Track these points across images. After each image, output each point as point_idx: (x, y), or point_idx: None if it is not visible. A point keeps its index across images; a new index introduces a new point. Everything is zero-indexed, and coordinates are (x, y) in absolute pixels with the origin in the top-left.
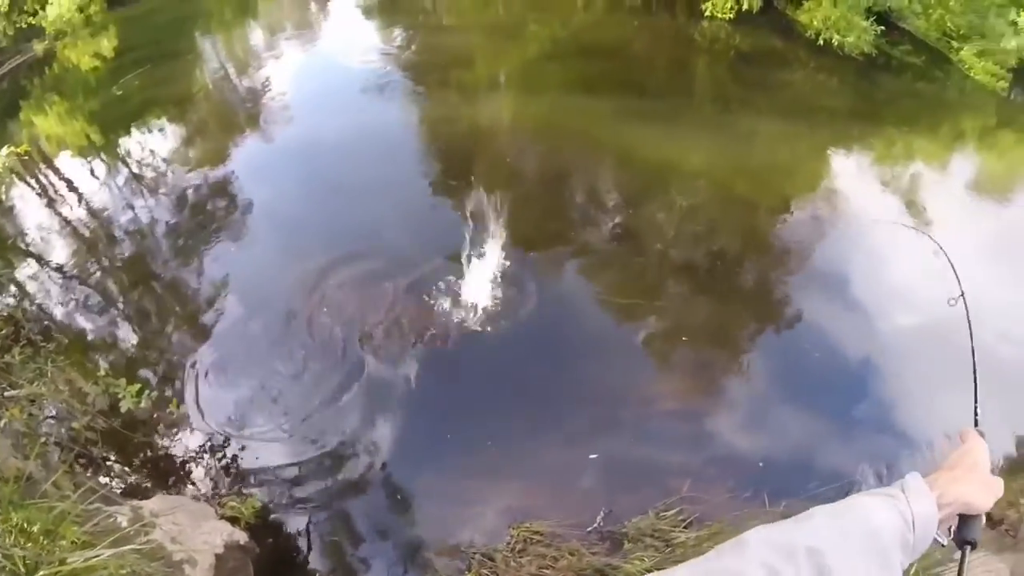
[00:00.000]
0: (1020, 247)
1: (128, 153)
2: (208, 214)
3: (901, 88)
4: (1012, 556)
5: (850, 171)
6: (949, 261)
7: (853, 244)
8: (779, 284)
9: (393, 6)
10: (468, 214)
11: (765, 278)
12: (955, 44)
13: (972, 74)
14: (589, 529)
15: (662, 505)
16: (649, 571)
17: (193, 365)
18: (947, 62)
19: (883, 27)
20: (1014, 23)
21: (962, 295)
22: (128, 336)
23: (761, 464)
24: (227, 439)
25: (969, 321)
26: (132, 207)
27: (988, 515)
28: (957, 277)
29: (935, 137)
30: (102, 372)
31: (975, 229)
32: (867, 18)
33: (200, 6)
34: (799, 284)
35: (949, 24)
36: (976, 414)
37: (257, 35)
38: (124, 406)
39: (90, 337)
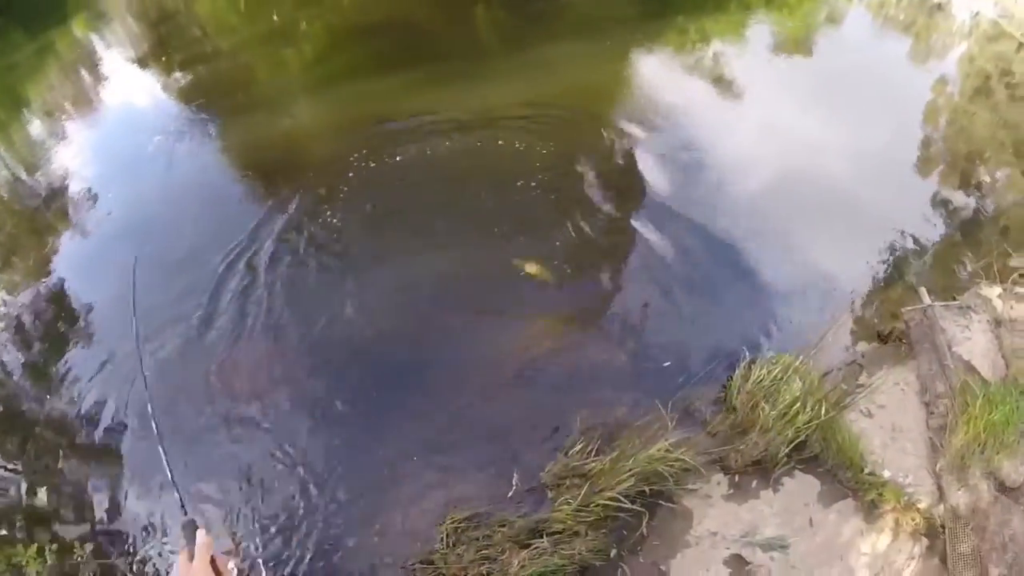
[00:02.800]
0: (835, 92)
1: None
2: (55, 331)
3: None
4: (913, 362)
5: (655, 68)
6: None
7: (676, 137)
8: (610, 195)
9: (163, 45)
10: (302, 224)
11: (601, 193)
12: None
13: None
14: (509, 495)
15: (567, 444)
16: (579, 511)
17: (81, 495)
18: None
19: None
20: None
21: None
22: (12, 496)
23: (641, 369)
24: (145, 556)
25: None
26: None
27: (877, 333)
28: None
29: (726, 14)
30: None
31: (791, 86)
32: None
33: None
34: (628, 189)
35: None
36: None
37: (36, 125)
38: (30, 573)
39: None
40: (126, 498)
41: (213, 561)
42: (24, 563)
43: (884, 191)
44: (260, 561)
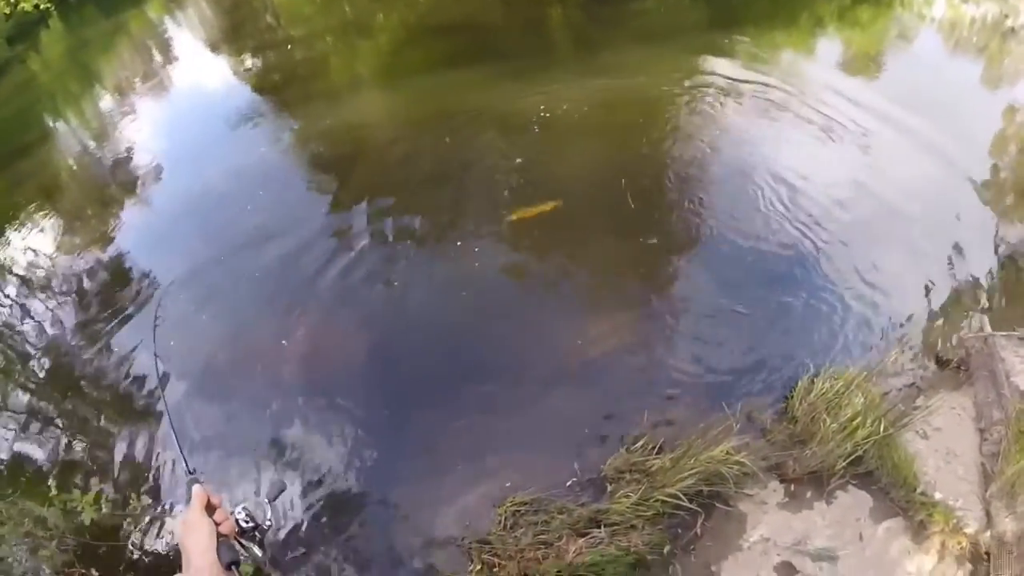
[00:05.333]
0: (904, 113)
1: (11, 259)
2: (111, 298)
3: None
4: (971, 388)
5: (722, 80)
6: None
7: (748, 146)
8: (685, 200)
9: (236, 31)
10: (367, 224)
11: (670, 198)
12: None
13: None
14: (569, 484)
15: (630, 439)
16: (637, 504)
17: (141, 451)
18: None
19: None
20: None
21: None
22: (65, 448)
23: (707, 372)
24: None
25: None
26: (32, 314)
27: (938, 357)
28: None
29: (799, 27)
30: (53, 492)
31: (858, 105)
32: None
33: (42, 89)
34: (700, 198)
35: None
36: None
37: (107, 100)
38: (86, 518)
39: (29, 463)
40: (170, 458)
41: (213, 513)
42: (80, 508)
43: (952, 216)
44: (267, 503)
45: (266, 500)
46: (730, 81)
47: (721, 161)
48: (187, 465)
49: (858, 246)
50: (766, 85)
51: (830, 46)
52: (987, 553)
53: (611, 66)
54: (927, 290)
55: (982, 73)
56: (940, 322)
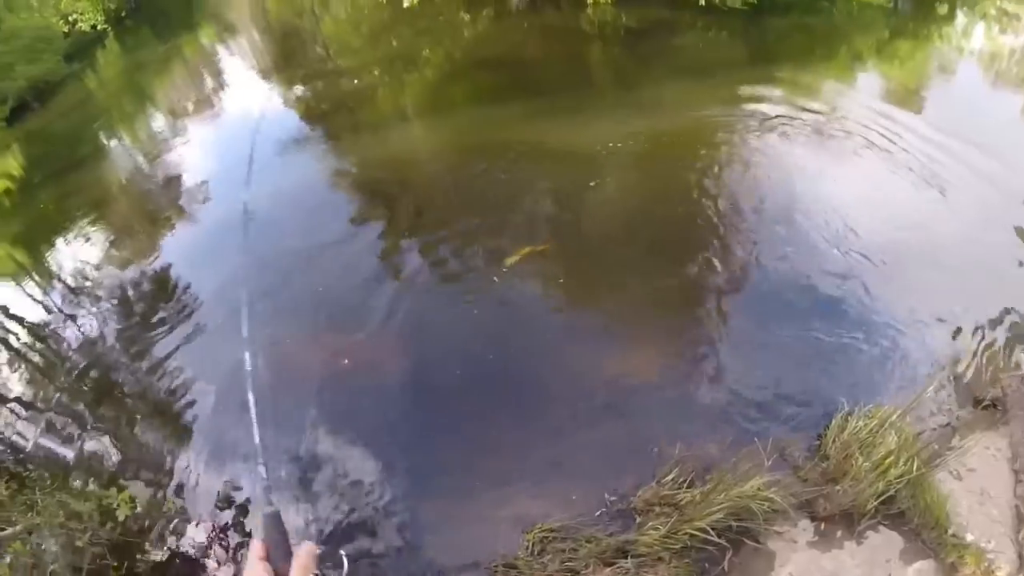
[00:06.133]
0: (943, 148)
1: (60, 267)
2: (153, 309)
3: (791, 26)
4: (1007, 428)
5: (763, 110)
6: None
7: (787, 180)
8: (719, 235)
9: (286, 60)
10: (407, 251)
11: (709, 232)
12: None
13: None
14: (599, 513)
15: (661, 472)
16: (666, 537)
17: (176, 457)
18: None
19: None
20: None
21: None
22: (107, 447)
23: (740, 406)
24: (229, 521)
25: None
26: (77, 321)
27: (974, 397)
28: None
29: (836, 61)
30: (92, 488)
31: (897, 140)
32: None
33: (96, 106)
34: (741, 230)
35: None
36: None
37: (159, 120)
38: (121, 515)
39: (70, 458)
40: (210, 467)
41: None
42: (115, 506)
43: (990, 254)
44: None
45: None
46: (769, 115)
47: (761, 195)
48: (269, 495)
49: (896, 282)
50: (804, 119)
51: (869, 79)
52: None
53: (651, 101)
54: (965, 328)
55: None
56: (977, 361)
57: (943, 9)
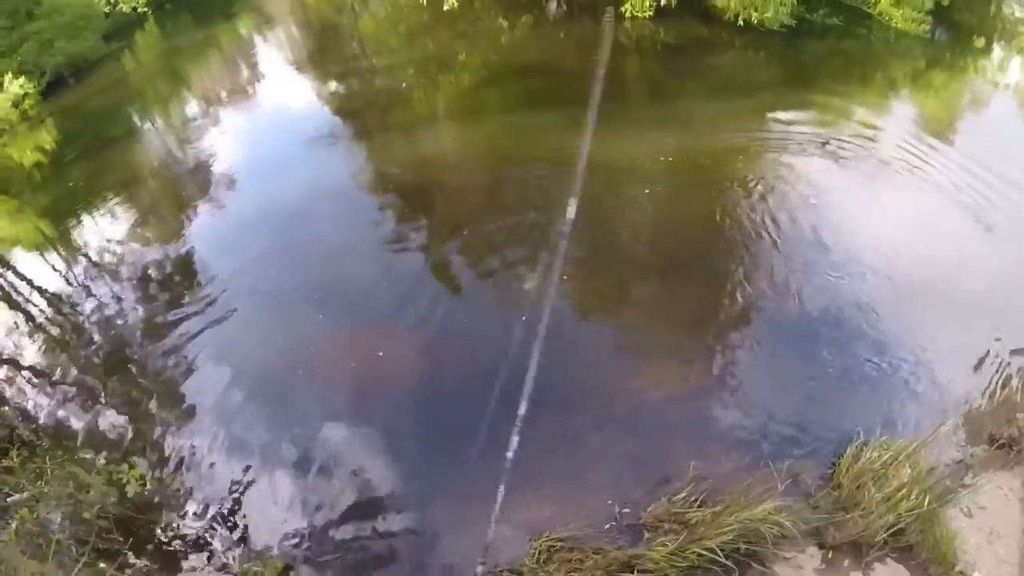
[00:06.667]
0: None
1: (85, 242)
2: (173, 290)
3: (827, 50)
4: (1020, 468)
5: (795, 132)
6: None
7: (814, 206)
8: (747, 256)
9: (322, 56)
10: (433, 254)
11: (733, 253)
12: None
13: (893, 23)
14: (608, 526)
15: (673, 489)
16: (673, 554)
17: (187, 438)
18: (867, 17)
19: None
20: None
21: None
22: (119, 423)
23: (756, 429)
24: (235, 505)
25: None
26: (96, 296)
27: (990, 435)
28: None
29: (870, 88)
30: (102, 462)
31: (928, 172)
32: None
33: (132, 87)
34: (766, 253)
35: None
36: None
37: (193, 106)
38: (130, 491)
39: (82, 431)
40: (220, 449)
41: None
42: (125, 481)
43: (1010, 297)
44: None
45: None
46: (801, 138)
47: (788, 219)
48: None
49: (919, 313)
50: (835, 144)
51: (904, 107)
52: None
53: (685, 118)
54: (985, 365)
55: None
56: (995, 400)
57: (980, 42)
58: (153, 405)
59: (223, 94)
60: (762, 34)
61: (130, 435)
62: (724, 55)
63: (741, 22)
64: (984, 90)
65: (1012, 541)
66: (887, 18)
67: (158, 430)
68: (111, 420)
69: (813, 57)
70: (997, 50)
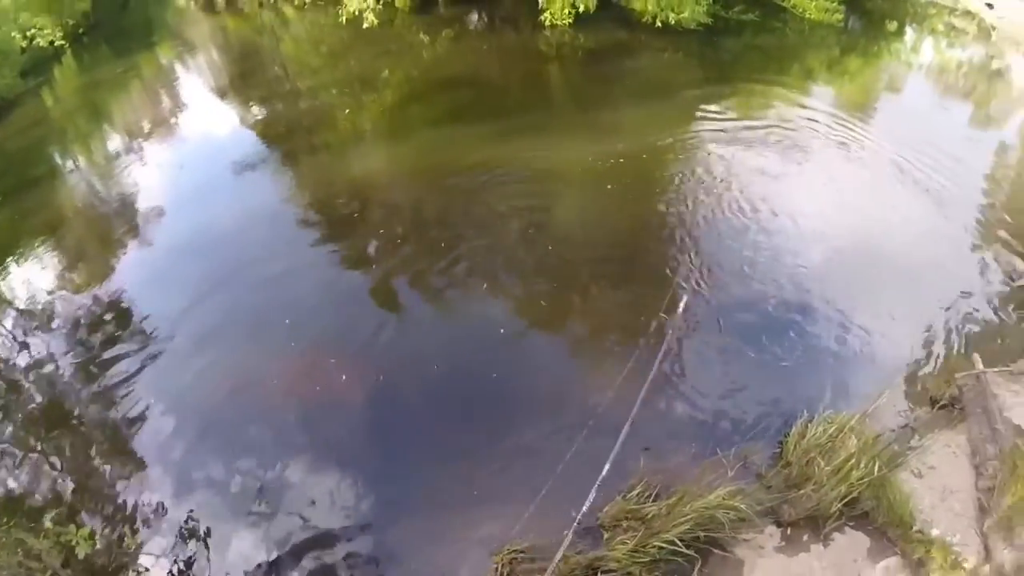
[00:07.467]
0: (894, 160)
1: (12, 293)
2: (109, 334)
3: (745, 45)
4: (964, 425)
5: (718, 127)
6: None
7: (742, 194)
8: (683, 249)
9: (245, 80)
10: (370, 273)
11: (668, 248)
12: None
13: (807, 15)
14: (566, 532)
15: (626, 487)
16: (634, 551)
17: (135, 489)
18: (782, 11)
19: None
20: None
21: None
22: (64, 481)
23: (701, 419)
24: (192, 554)
25: None
26: (30, 348)
27: (931, 397)
28: None
29: (788, 79)
30: (49, 524)
31: (848, 156)
32: None
33: (52, 125)
34: (702, 244)
35: None
36: None
37: (117, 141)
38: (80, 552)
39: (26, 493)
40: (170, 499)
41: None
42: (75, 543)
43: (944, 260)
44: None
45: None
46: (725, 132)
47: (720, 209)
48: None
49: (853, 289)
50: (757, 134)
51: (822, 93)
52: None
53: (610, 122)
54: (921, 334)
55: (971, 114)
56: (933, 363)
57: (893, 26)
58: (99, 458)
59: (147, 126)
60: (680, 34)
61: (77, 492)
62: (644, 57)
63: (659, 24)
64: (899, 71)
65: (964, 495)
66: (801, 10)
67: (105, 483)
68: (56, 478)
69: (731, 53)
70: (910, 32)
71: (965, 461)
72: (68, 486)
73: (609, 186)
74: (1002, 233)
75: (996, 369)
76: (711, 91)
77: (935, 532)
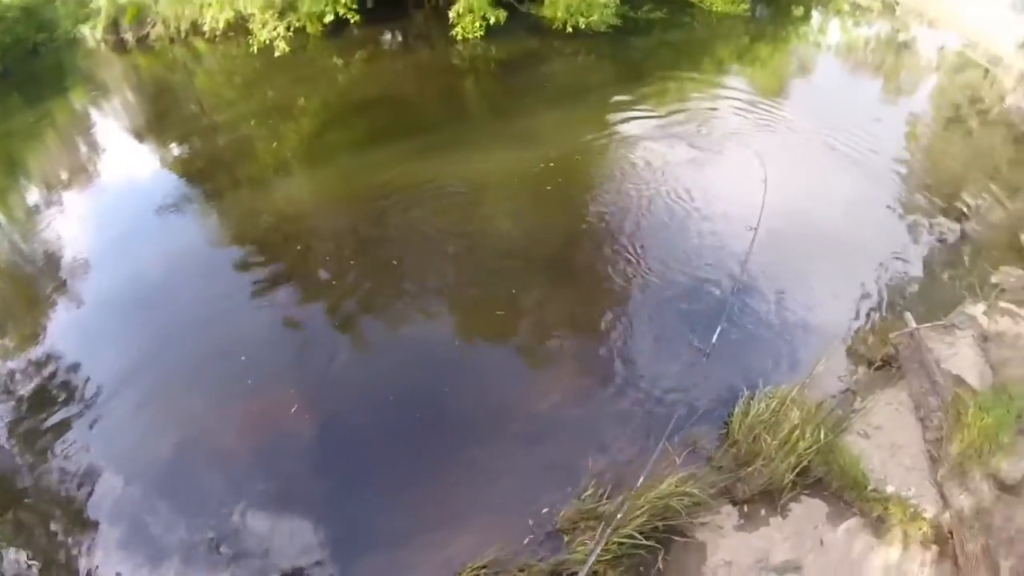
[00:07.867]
0: (813, 138)
1: None
2: (46, 400)
3: (655, 43)
4: (904, 382)
5: (635, 124)
6: None
7: (663, 187)
8: (610, 247)
9: (161, 121)
10: (311, 303)
11: (599, 246)
12: None
13: (714, 8)
14: (527, 541)
15: (579, 489)
16: None
17: (96, 558)
18: (689, 6)
19: None
20: None
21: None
22: (20, 562)
23: (644, 411)
24: None
25: None
26: None
27: (868, 360)
28: None
29: (701, 70)
30: None
31: (767, 138)
32: None
33: None
34: (627, 240)
35: None
36: None
37: (34, 194)
38: None
39: None
40: (125, 565)
41: None
42: None
43: (867, 227)
44: None
45: None
46: (641, 129)
47: (642, 203)
48: None
49: (787, 267)
50: (673, 128)
51: (736, 82)
52: (949, 532)
53: (529, 130)
54: (851, 300)
55: (883, 86)
56: (868, 326)
57: (799, 11)
58: (53, 532)
59: (65, 176)
60: (592, 37)
61: (32, 572)
62: (556, 63)
63: (570, 29)
64: (810, 52)
65: (913, 448)
66: (708, 4)
67: (60, 559)
68: (12, 559)
69: (643, 52)
70: (816, 15)
71: (909, 416)
72: (23, 568)
73: (531, 194)
74: (924, 195)
75: (929, 324)
76: (628, 88)
77: (890, 488)
